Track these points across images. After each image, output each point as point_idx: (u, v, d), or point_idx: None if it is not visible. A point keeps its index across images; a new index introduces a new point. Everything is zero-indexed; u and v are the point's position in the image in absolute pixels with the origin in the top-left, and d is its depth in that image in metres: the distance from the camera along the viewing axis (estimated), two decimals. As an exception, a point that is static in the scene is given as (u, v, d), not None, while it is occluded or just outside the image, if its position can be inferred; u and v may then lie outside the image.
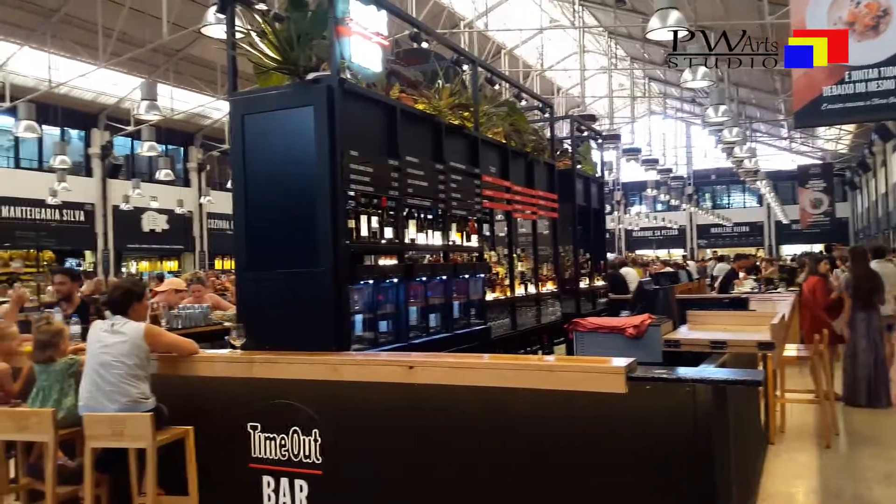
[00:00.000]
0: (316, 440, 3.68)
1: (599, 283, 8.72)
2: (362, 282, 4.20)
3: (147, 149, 17.72)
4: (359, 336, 4.21)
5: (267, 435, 3.81)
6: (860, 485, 4.97)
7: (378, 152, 4.43)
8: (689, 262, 23.04)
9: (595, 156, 9.46)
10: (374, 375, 3.66)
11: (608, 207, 22.17)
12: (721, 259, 17.48)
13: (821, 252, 18.00)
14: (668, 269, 16.25)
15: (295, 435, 3.73)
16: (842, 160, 37.08)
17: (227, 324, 5.73)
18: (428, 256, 5.59)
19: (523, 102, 7.54)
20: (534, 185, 6.94)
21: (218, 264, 26.53)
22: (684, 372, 3.31)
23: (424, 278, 4.80)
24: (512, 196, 6.37)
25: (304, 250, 4.07)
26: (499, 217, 6.86)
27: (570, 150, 8.43)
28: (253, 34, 4.36)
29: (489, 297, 5.85)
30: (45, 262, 21.34)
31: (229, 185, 17.16)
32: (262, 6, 4.60)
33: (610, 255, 13.24)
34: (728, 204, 43.37)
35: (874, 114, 9.10)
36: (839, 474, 5.23)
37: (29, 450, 4.16)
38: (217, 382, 4.03)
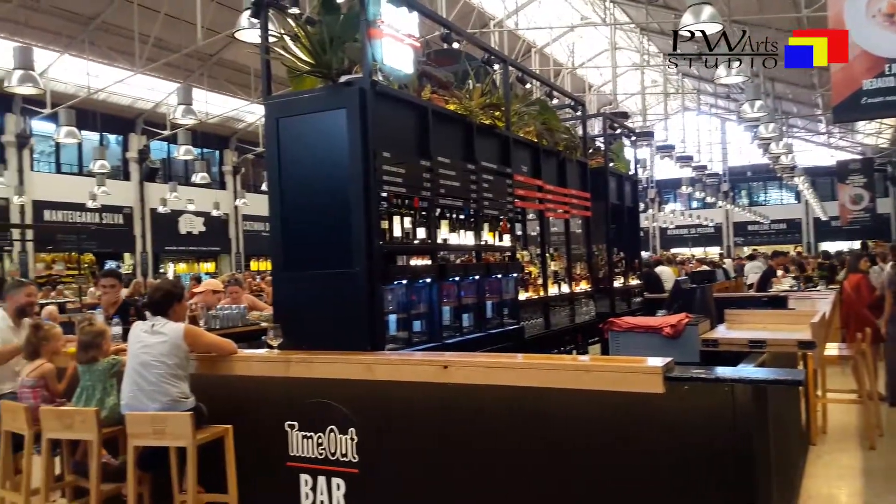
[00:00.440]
0: (352, 439, 3.71)
1: (634, 281, 8.63)
2: (396, 282, 4.22)
3: (183, 152, 18.12)
4: (393, 336, 4.24)
5: (304, 434, 3.85)
6: (906, 487, 4.86)
7: (410, 153, 4.45)
8: (725, 259, 22.65)
9: (628, 153, 9.35)
10: (409, 375, 3.68)
11: (642, 205, 21.92)
12: (752, 257, 16.19)
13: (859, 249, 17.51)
14: (705, 267, 15.97)
15: (332, 434, 3.76)
16: (882, 155, 36.04)
17: (263, 324, 5.79)
18: (460, 256, 5.59)
19: (555, 101, 7.48)
20: (566, 183, 6.90)
21: (254, 265, 26.93)
22: (723, 372, 3.26)
23: (457, 278, 4.81)
24: (544, 195, 6.34)
25: (339, 251, 4.10)
26: (531, 216, 6.84)
27: (602, 148, 8.36)
28: (286, 38, 4.40)
29: (522, 296, 5.83)
30: (85, 265, 21.84)
31: (264, 187, 17.42)
32: (294, 10, 4.64)
33: (644, 254, 13.05)
34: (765, 201, 42.55)
35: (915, 107, 8.85)
36: (884, 476, 5.10)
37: (74, 448, 4.26)
38: (255, 382, 4.09)
